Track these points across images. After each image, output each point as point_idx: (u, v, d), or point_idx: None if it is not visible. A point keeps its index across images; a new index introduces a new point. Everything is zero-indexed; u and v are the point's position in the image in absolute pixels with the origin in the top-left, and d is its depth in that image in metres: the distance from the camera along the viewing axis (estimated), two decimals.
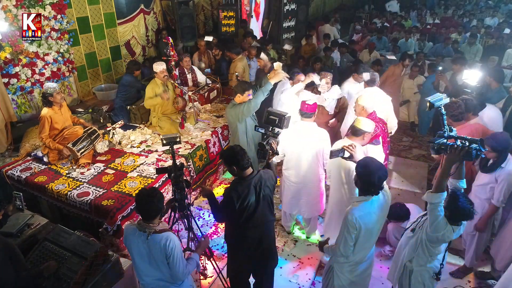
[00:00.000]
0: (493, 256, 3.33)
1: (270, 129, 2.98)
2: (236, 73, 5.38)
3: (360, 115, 3.59)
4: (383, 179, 2.38)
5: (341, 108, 4.52)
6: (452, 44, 8.37)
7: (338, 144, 3.16)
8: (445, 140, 2.31)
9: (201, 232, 3.41)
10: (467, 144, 2.20)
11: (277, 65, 4.11)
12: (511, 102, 4.40)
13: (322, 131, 3.56)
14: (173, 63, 4.58)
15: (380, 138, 3.55)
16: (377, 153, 3.36)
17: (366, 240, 2.48)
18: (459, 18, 12.73)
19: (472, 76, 4.28)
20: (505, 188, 2.99)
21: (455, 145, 2.23)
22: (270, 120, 3.01)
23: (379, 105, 4.13)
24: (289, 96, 4.28)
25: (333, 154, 2.83)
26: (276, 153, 2.96)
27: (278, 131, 2.98)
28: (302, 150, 3.52)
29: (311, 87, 4.55)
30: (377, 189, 2.40)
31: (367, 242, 2.51)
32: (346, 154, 2.82)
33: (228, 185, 2.76)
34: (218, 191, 4.66)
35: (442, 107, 2.39)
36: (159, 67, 4.49)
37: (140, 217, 2.36)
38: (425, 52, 8.38)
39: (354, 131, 3.15)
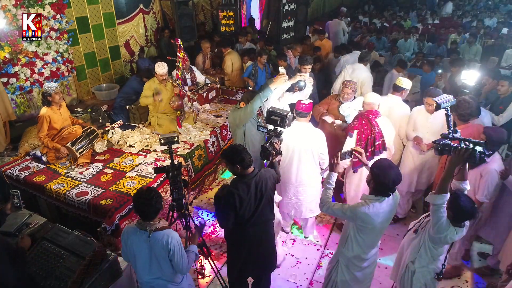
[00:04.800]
0: (500, 259, 3.34)
1: (273, 129, 2.97)
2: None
3: (371, 109, 3.66)
4: (397, 182, 2.39)
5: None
6: (451, 44, 8.38)
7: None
8: (449, 142, 2.31)
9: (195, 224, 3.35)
10: (471, 146, 2.19)
11: (282, 70, 4.02)
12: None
13: (317, 131, 3.56)
14: (177, 64, 4.56)
15: (355, 132, 3.62)
16: (349, 144, 3.61)
17: (371, 237, 2.54)
18: (459, 18, 12.75)
19: (470, 77, 4.29)
20: (489, 182, 3.01)
21: (459, 147, 2.23)
22: (272, 120, 2.99)
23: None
24: (273, 98, 4.00)
25: (341, 157, 2.77)
26: (279, 153, 2.94)
27: (280, 131, 2.97)
28: (297, 150, 3.52)
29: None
30: (389, 192, 2.41)
31: (373, 240, 2.57)
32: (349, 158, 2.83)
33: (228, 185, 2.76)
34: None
35: (449, 109, 2.38)
36: (160, 70, 4.47)
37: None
38: (424, 52, 8.40)
39: (395, 87, 4.10)
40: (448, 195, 2.35)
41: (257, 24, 10.01)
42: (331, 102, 4.30)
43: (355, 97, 4.18)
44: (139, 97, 5.31)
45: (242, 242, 2.76)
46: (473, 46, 8.18)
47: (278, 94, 3.93)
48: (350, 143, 3.62)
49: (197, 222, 3.51)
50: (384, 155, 3.63)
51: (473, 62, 7.44)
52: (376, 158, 3.55)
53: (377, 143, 3.58)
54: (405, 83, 4.05)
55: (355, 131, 3.62)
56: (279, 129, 2.97)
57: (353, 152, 2.82)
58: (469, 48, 8.20)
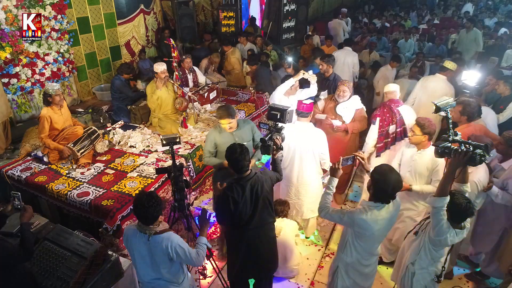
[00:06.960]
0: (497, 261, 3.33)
1: (273, 124, 2.98)
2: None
3: (393, 98, 3.95)
4: (397, 189, 2.37)
5: (355, 119, 4.15)
6: (452, 44, 8.34)
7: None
8: (450, 144, 2.32)
9: (194, 223, 3.35)
10: (471, 149, 2.20)
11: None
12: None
13: (318, 131, 3.57)
14: (175, 64, 4.61)
15: (378, 119, 3.88)
16: (371, 131, 3.97)
17: (370, 243, 2.52)
18: (459, 19, 12.74)
19: (471, 77, 4.30)
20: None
21: (459, 150, 2.23)
22: (272, 115, 3.00)
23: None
24: (277, 96, 4.12)
25: (342, 162, 2.73)
26: (280, 148, 2.93)
27: (281, 126, 2.98)
28: (298, 150, 3.52)
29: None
30: (389, 198, 2.39)
31: (372, 246, 2.55)
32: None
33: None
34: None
35: (449, 111, 2.39)
36: (159, 67, 4.50)
37: None
38: (424, 52, 8.39)
39: (442, 68, 4.85)
40: (448, 198, 2.34)
41: (257, 25, 10.02)
42: (327, 102, 4.31)
43: (351, 96, 4.21)
44: (128, 95, 5.29)
45: (240, 243, 2.76)
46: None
47: (284, 90, 4.05)
48: (373, 130, 3.93)
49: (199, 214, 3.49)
50: (405, 142, 3.72)
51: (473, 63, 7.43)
52: (398, 144, 3.87)
53: (398, 130, 3.87)
54: (451, 64, 4.83)
55: (378, 119, 3.86)
56: (279, 124, 2.97)
57: (356, 157, 2.77)
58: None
